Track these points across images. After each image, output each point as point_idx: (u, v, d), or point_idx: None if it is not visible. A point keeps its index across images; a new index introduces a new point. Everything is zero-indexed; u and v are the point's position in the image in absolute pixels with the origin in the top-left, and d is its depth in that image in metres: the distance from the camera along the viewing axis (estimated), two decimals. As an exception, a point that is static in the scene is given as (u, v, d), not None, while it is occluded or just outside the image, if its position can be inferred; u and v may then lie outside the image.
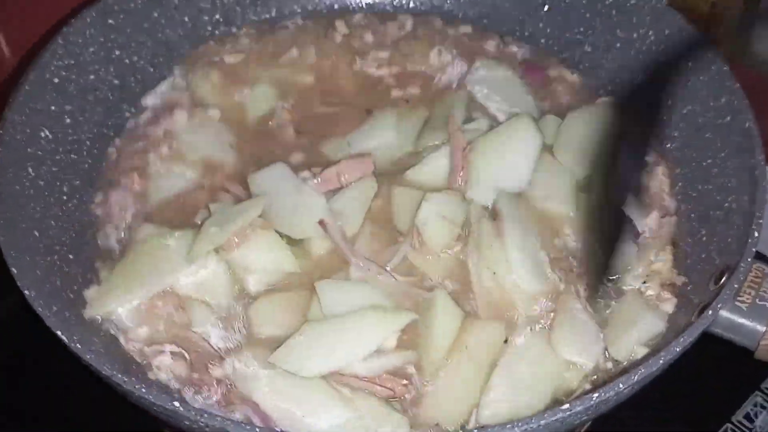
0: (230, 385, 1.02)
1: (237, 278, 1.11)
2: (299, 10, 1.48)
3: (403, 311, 1.05)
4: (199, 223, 1.14)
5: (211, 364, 1.03)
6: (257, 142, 1.28)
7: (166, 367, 1.02)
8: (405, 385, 1.01)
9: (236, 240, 1.10)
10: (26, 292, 0.95)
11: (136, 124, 1.31)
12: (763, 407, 1.20)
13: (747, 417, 1.20)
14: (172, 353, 1.04)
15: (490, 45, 1.43)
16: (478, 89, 1.32)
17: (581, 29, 1.40)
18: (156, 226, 1.16)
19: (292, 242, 1.13)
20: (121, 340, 1.06)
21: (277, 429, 0.94)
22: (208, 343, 1.06)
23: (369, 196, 1.17)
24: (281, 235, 1.12)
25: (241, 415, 0.99)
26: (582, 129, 1.24)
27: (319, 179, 1.17)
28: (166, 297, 1.09)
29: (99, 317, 1.07)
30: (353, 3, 1.50)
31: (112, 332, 1.07)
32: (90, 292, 1.10)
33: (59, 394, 1.26)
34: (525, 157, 1.18)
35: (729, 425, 1.22)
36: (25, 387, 1.28)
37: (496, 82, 1.33)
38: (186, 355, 1.05)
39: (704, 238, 1.13)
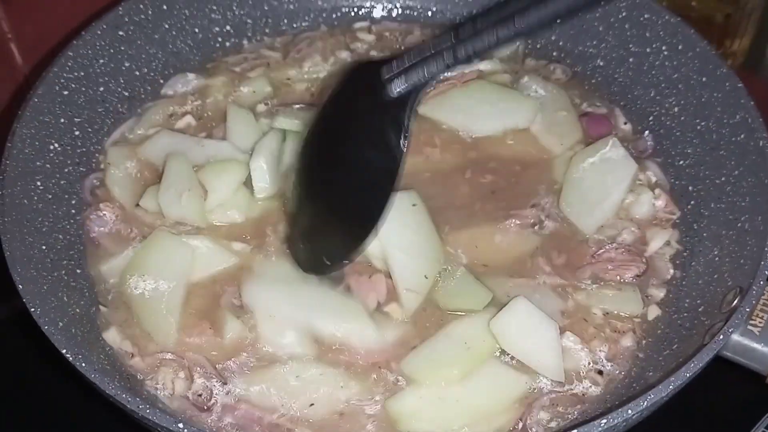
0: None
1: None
2: (310, 22, 1.47)
3: None
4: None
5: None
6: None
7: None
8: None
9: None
10: (32, 309, 0.95)
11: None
12: (775, 429, 1.18)
13: (758, 439, 1.19)
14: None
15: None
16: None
17: (594, 43, 1.39)
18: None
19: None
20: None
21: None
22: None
23: None
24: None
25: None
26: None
27: None
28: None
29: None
30: (364, 14, 1.50)
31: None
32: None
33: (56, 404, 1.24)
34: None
35: (742, 448, 1.20)
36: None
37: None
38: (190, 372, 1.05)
39: (717, 258, 1.12)
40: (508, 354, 1.05)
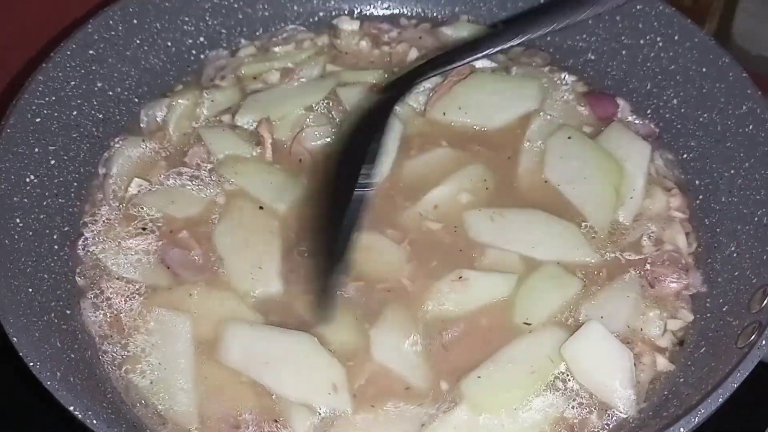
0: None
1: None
2: (287, 28, 1.40)
3: None
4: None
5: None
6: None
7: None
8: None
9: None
10: (30, 363, 0.87)
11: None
12: (799, 423, 1.17)
13: (782, 433, 1.17)
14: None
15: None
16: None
17: (584, 36, 1.35)
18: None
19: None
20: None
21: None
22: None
23: None
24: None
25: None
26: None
27: None
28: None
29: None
30: (341, 13, 1.43)
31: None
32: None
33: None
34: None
35: (762, 442, 1.19)
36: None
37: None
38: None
39: (735, 255, 1.09)
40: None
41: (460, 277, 1.06)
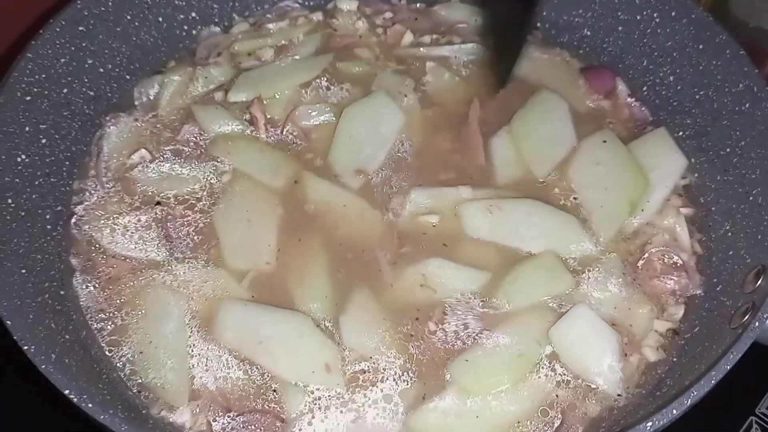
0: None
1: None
2: (280, 4, 1.39)
3: None
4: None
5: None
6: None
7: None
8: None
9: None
10: (25, 347, 0.87)
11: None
12: (789, 399, 1.18)
13: (773, 410, 1.18)
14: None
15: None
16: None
17: (579, 12, 1.34)
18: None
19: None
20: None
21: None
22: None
23: None
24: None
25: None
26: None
27: None
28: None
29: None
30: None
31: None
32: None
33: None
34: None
35: (753, 418, 1.19)
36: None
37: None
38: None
39: (729, 234, 1.09)
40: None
41: (434, 267, 1.06)
